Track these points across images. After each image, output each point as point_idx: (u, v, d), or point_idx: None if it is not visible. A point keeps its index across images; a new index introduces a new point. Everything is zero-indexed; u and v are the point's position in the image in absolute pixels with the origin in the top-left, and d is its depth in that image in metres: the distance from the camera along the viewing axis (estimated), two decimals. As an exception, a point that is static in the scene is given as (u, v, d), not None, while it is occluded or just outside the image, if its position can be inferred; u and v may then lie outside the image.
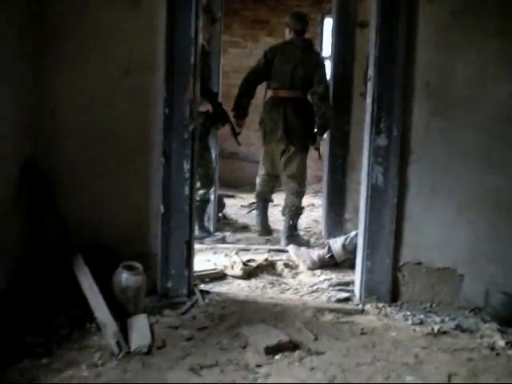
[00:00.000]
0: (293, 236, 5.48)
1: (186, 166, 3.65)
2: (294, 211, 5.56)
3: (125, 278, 3.35)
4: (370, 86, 3.78)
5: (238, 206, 7.50)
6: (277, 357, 2.98)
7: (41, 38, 3.56)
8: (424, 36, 3.67)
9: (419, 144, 3.72)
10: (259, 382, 2.74)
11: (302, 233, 5.90)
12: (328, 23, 8.90)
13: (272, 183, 5.86)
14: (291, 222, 5.54)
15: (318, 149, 5.64)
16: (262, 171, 5.82)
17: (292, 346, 3.07)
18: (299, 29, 5.56)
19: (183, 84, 3.59)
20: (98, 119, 3.65)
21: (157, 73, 3.60)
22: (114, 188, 3.70)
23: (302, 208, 5.69)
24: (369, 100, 3.77)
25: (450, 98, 3.69)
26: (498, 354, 3.17)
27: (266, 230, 5.87)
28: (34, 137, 3.59)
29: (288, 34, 5.60)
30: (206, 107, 5.19)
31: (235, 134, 5.55)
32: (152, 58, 3.61)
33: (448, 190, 3.74)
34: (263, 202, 5.92)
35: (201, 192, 5.28)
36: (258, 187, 5.89)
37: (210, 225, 5.65)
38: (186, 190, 3.67)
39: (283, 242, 5.39)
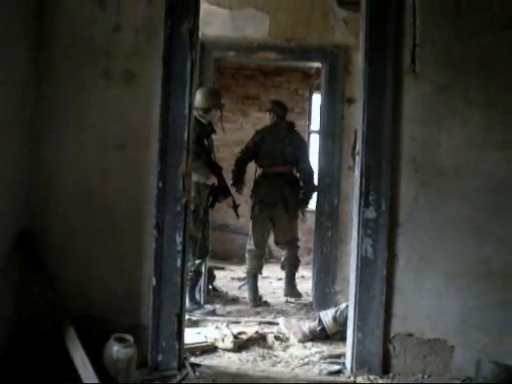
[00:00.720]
0: (293, 284, 6.34)
1: (179, 238, 3.69)
2: (295, 263, 6.32)
3: (116, 350, 3.34)
4: (358, 159, 3.89)
5: (228, 278, 7.51)
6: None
7: (39, 109, 3.66)
8: (409, 111, 3.79)
9: (407, 216, 3.79)
10: None
11: (292, 305, 5.94)
12: (316, 99, 9.14)
13: (262, 257, 6.34)
14: (293, 271, 6.35)
15: (303, 213, 6.41)
16: (251, 245, 6.24)
17: (284, 420, 3.06)
18: (282, 115, 6.46)
19: (177, 158, 3.67)
20: (93, 191, 3.71)
21: (151, 147, 3.69)
22: (107, 259, 3.72)
23: (299, 260, 6.47)
24: (357, 173, 3.86)
25: (437, 171, 3.79)
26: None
27: (257, 301, 6.01)
28: (30, 206, 3.64)
29: (271, 119, 6.49)
30: (213, 181, 5.36)
31: (235, 207, 5.75)
32: (146, 133, 3.70)
33: (437, 261, 3.79)
34: (253, 278, 6.19)
35: (197, 262, 5.38)
36: (248, 263, 6.27)
37: (200, 297, 5.64)
38: (178, 262, 3.70)
39: (286, 290, 6.28)
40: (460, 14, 3.77)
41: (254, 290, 6.09)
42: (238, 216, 5.85)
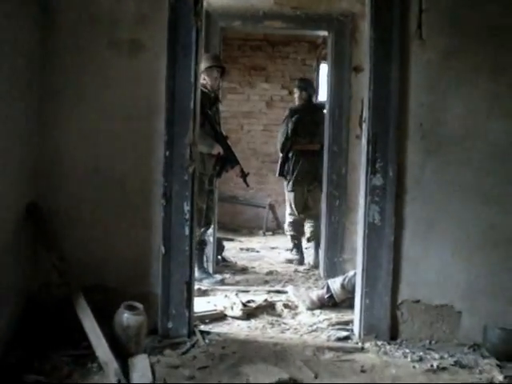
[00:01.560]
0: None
1: (186, 207, 3.72)
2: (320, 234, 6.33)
3: (126, 317, 3.38)
4: (365, 127, 3.88)
5: (237, 249, 7.54)
6: (278, 394, 3.00)
7: (45, 84, 3.67)
8: (416, 77, 3.78)
9: (415, 183, 3.79)
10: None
11: (300, 274, 5.99)
12: (323, 68, 9.09)
13: (301, 223, 6.77)
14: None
15: None
16: (292, 216, 6.75)
17: (293, 384, 3.10)
18: (312, 93, 7.02)
19: (183, 128, 3.69)
20: (101, 162, 3.73)
21: (158, 117, 3.70)
22: (116, 229, 3.75)
23: None
24: (364, 141, 3.86)
25: (444, 137, 3.79)
26: (496, 388, 3.20)
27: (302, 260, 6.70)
28: (37, 180, 3.67)
29: (299, 97, 6.81)
30: (218, 150, 5.36)
31: (244, 176, 5.77)
32: (153, 103, 3.71)
33: (444, 228, 3.80)
34: (298, 241, 6.80)
35: (201, 231, 5.40)
36: (291, 231, 6.80)
37: (209, 267, 5.68)
38: (186, 230, 3.73)
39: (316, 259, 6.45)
40: (467, -22, 3.74)
41: (301, 251, 6.74)
42: (247, 185, 5.87)
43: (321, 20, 5.77)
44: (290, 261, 6.71)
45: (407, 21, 3.76)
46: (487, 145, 3.79)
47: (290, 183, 6.66)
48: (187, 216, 3.72)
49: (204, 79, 5.30)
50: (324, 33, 6.17)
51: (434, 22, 3.76)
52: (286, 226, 6.89)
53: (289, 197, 6.76)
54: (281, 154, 6.75)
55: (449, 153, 3.80)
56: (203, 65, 5.17)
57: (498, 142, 3.78)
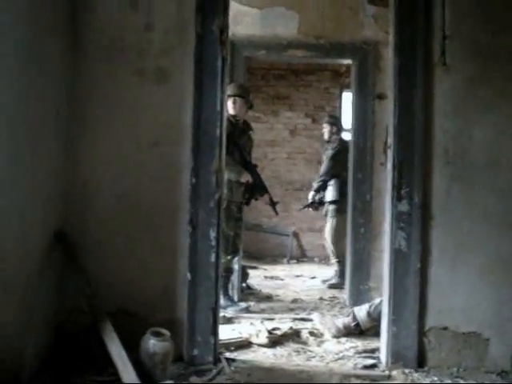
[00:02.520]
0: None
1: (212, 233, 3.74)
2: None
3: (152, 344, 3.39)
4: (389, 153, 3.88)
5: (262, 277, 7.53)
6: (304, 421, 2.98)
7: (73, 110, 3.73)
8: (440, 103, 3.79)
9: (440, 209, 3.78)
10: None
11: (325, 302, 5.97)
12: (347, 97, 9.14)
13: None
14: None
15: None
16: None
17: (319, 411, 3.08)
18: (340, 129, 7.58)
19: (210, 155, 3.72)
20: (128, 189, 3.77)
21: (184, 144, 3.74)
22: (142, 256, 3.77)
23: None
24: (389, 167, 3.86)
25: (469, 163, 3.78)
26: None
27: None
28: (65, 207, 3.72)
29: (330, 131, 7.34)
30: (247, 178, 5.40)
31: (273, 204, 5.79)
32: (179, 129, 3.75)
33: (471, 254, 3.77)
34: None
35: (228, 258, 5.42)
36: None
37: (233, 294, 5.68)
38: (213, 257, 3.74)
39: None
40: (489, 4, 3.76)
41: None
42: (276, 213, 5.91)
43: (344, 48, 5.82)
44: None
45: (431, 48, 3.78)
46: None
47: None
48: (213, 243, 3.74)
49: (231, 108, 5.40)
50: (348, 61, 6.21)
51: (457, 48, 3.77)
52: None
53: None
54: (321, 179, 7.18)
55: (474, 179, 3.78)
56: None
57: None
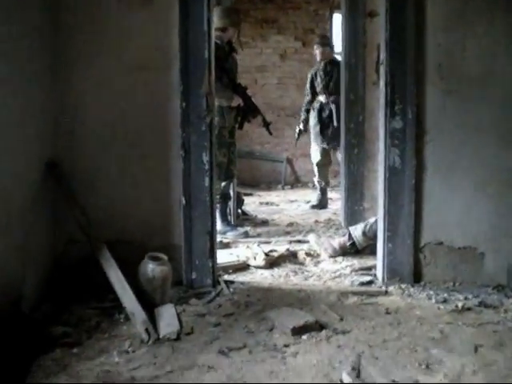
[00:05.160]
0: None
1: (205, 157, 3.71)
2: None
3: (151, 268, 3.41)
4: (382, 70, 3.82)
5: (257, 203, 7.55)
6: (304, 337, 3.03)
7: (58, 40, 3.64)
8: (433, 17, 3.70)
9: (434, 124, 3.75)
10: (288, 360, 2.79)
11: (321, 224, 6.01)
12: (337, 18, 8.96)
13: None
14: None
15: None
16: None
17: (318, 327, 3.12)
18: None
19: (199, 77, 3.66)
20: (117, 116, 3.72)
21: (172, 68, 3.67)
22: (136, 183, 3.76)
23: None
24: (382, 84, 3.81)
25: (463, 77, 3.72)
26: (522, 326, 3.20)
27: None
28: (56, 136, 3.67)
29: (322, 52, 7.04)
30: (238, 102, 5.34)
31: (267, 124, 5.75)
32: (167, 53, 3.67)
33: (466, 169, 3.77)
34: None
35: (223, 184, 5.41)
36: None
37: (231, 220, 5.70)
38: (206, 181, 3.73)
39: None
40: None
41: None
42: (270, 133, 5.83)
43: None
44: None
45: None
46: (507, 82, 3.72)
47: None
48: (206, 167, 3.71)
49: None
50: (337, -21, 6.05)
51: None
52: None
53: None
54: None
55: (468, 92, 3.74)
56: (217, 22, 5.08)
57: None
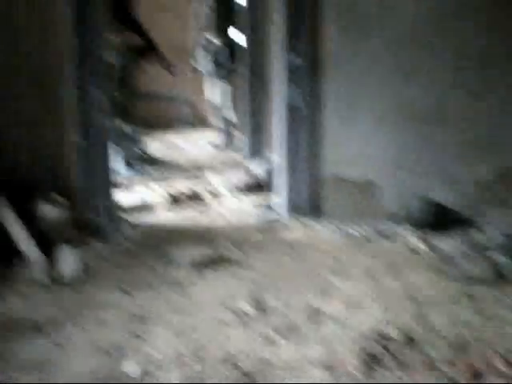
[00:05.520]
0: None
1: (102, 96, 3.58)
2: None
3: (48, 210, 3.31)
4: (279, 4, 3.78)
5: (158, 144, 7.41)
6: (207, 272, 3.06)
7: None
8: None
9: (332, 61, 3.76)
10: (191, 294, 2.81)
11: (224, 163, 6.00)
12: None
13: None
14: None
15: None
16: None
17: (221, 261, 3.16)
18: None
19: (92, 8, 3.48)
20: (6, 51, 3.50)
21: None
22: (30, 124, 3.57)
23: None
24: (278, 19, 3.77)
25: (361, 16, 3.72)
26: (417, 253, 3.35)
27: None
28: None
29: None
30: (132, 38, 5.14)
31: (169, 66, 5.69)
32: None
33: (364, 104, 3.81)
34: None
35: (122, 125, 5.28)
36: None
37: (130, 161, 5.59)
38: (103, 120, 3.60)
39: None
40: None
41: None
42: (172, 74, 5.71)
43: None
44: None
45: None
46: (403, 21, 3.72)
47: None
48: (103, 106, 3.58)
49: None
50: None
51: None
52: None
53: None
54: None
55: (366, 31, 3.73)
56: None
57: (414, 18, 3.71)
